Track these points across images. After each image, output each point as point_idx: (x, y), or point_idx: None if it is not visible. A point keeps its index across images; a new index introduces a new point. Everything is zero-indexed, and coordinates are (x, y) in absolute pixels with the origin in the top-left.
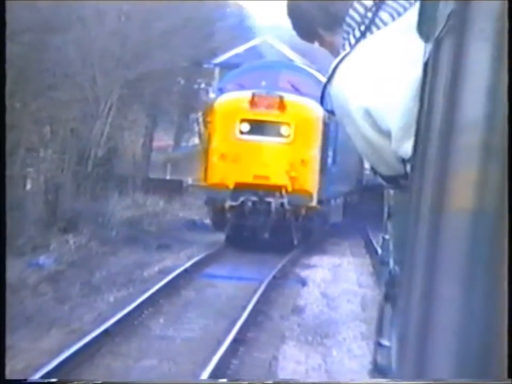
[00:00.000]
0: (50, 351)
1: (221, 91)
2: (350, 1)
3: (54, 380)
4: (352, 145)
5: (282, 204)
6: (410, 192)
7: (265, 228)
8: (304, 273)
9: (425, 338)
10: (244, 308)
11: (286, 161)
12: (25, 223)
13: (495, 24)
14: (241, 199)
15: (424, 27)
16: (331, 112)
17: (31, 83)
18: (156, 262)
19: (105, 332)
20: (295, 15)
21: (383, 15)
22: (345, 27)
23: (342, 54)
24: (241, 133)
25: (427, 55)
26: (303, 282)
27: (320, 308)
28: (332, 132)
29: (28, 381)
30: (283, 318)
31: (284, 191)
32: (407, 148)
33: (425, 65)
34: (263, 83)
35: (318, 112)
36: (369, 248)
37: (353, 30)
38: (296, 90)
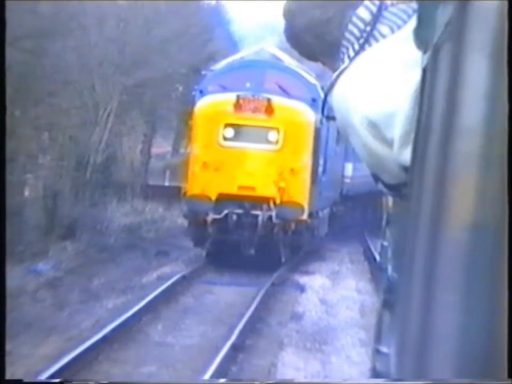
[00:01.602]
0: (49, 357)
1: (201, 93)
2: (346, 26)
3: (53, 380)
4: (339, 151)
5: (270, 218)
6: (410, 199)
7: (250, 244)
8: (302, 279)
9: (424, 344)
10: (242, 314)
11: (274, 171)
12: (24, 230)
13: (492, 33)
14: (225, 211)
15: (422, 33)
16: (332, 118)
17: (31, 90)
18: (154, 269)
19: (104, 338)
20: (294, 44)
21: (383, 28)
22: (344, 42)
23: (342, 66)
24: (225, 139)
25: (425, 61)
26: (302, 289)
27: (319, 314)
28: (323, 138)
29: (28, 381)
30: (281, 324)
31: (271, 203)
32: (407, 155)
33: (424, 71)
34: (248, 84)
35: (309, 116)
36: (368, 254)
37: (353, 44)
38: (284, 92)
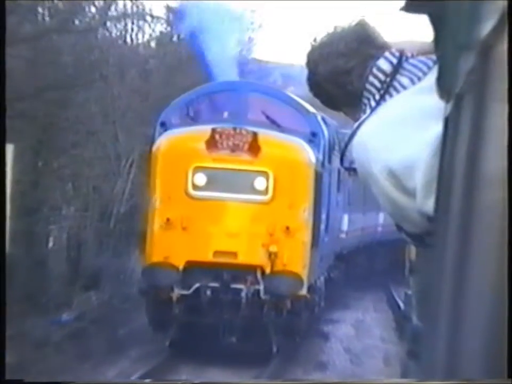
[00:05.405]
0: None
1: (163, 127)
2: (367, 77)
3: (54, 381)
4: (340, 201)
5: (257, 293)
6: (434, 248)
7: (231, 329)
8: (326, 328)
9: None
10: (267, 363)
11: (264, 230)
12: (48, 281)
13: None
14: (196, 285)
15: (444, 83)
16: (352, 170)
17: (54, 141)
18: None
19: None
20: (316, 93)
21: (403, 79)
22: (365, 93)
23: (363, 117)
24: (195, 187)
25: (448, 110)
26: (326, 338)
27: (343, 363)
28: (325, 184)
29: (28, 381)
30: (306, 373)
31: (259, 274)
32: (431, 205)
33: (446, 120)
34: (226, 114)
35: (307, 155)
36: (391, 303)
37: (374, 95)
38: (274, 124)
